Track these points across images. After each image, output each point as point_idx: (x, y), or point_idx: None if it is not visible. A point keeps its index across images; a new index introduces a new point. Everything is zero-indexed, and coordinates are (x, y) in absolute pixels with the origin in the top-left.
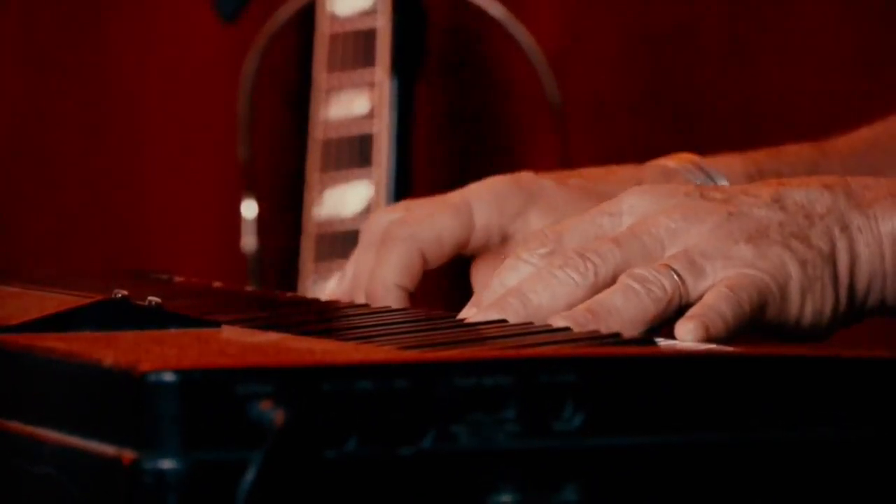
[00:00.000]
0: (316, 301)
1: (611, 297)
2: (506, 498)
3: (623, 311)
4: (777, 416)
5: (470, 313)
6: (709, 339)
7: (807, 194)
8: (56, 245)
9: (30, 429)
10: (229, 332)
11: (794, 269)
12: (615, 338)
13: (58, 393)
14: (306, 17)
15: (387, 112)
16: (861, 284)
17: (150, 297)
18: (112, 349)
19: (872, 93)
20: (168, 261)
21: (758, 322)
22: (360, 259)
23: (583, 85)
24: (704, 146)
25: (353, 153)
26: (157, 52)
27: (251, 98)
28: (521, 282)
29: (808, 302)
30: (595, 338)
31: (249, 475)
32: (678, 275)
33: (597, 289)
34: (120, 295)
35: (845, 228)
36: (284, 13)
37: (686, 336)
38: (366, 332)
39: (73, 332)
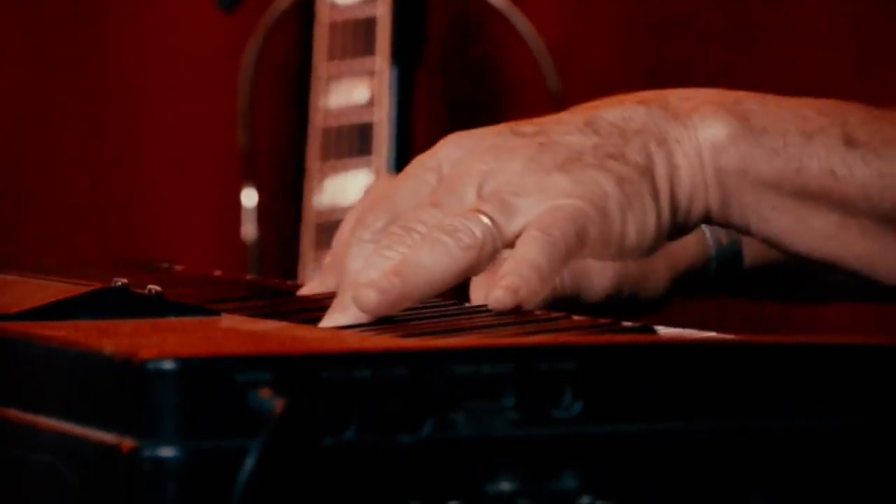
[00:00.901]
0: None
1: (416, 253)
2: (505, 485)
3: (430, 265)
4: (776, 403)
5: (332, 319)
6: (523, 300)
7: (621, 112)
8: (57, 235)
9: (30, 417)
10: (229, 321)
11: (610, 188)
12: (614, 325)
13: (58, 381)
14: (306, 6)
15: (387, 100)
16: (683, 194)
17: (150, 286)
18: (112, 337)
19: (872, 80)
20: (168, 249)
21: (581, 249)
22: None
23: (583, 72)
24: None
25: (353, 142)
26: (156, 43)
27: (251, 87)
28: (354, 272)
29: (630, 218)
30: (594, 325)
31: (249, 463)
32: (489, 217)
33: None
34: (120, 283)
35: (662, 141)
36: (284, 2)
37: (497, 305)
38: None
39: (73, 321)
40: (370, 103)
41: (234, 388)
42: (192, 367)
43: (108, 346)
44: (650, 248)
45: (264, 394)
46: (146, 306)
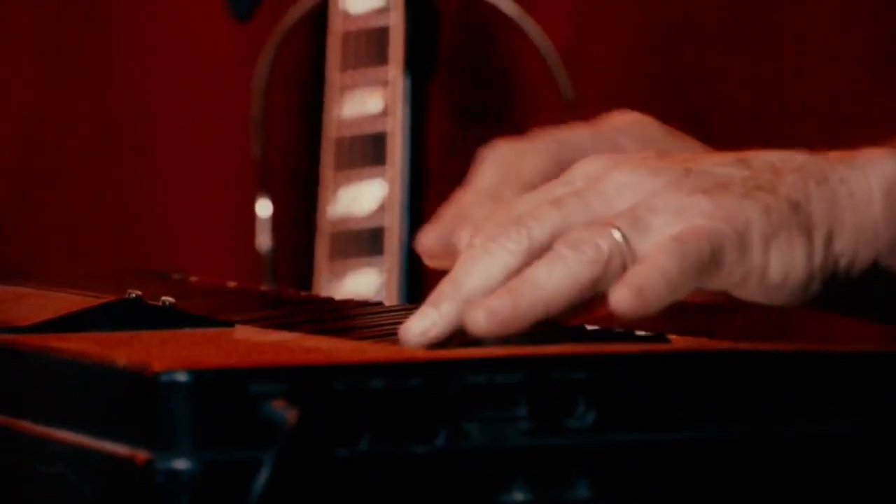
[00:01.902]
0: (330, 300)
1: (534, 269)
2: (518, 495)
3: (546, 283)
4: (790, 411)
5: (424, 317)
6: (647, 303)
7: (777, 155)
8: (69, 245)
9: (43, 429)
10: (243, 332)
11: (755, 215)
12: (627, 334)
13: (71, 393)
14: (319, 16)
15: (400, 110)
16: (846, 241)
17: (163, 297)
18: (125, 349)
19: (885, 84)
20: (182, 260)
21: (716, 274)
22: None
23: (596, 80)
24: (717, 141)
25: (366, 151)
26: (169, 52)
27: (264, 97)
28: (455, 267)
29: (774, 251)
30: (607, 335)
31: (262, 474)
32: (620, 232)
33: (534, 255)
34: (133, 295)
35: (823, 181)
36: (297, 11)
37: (617, 305)
38: (379, 330)
39: (86, 333)
40: (384, 113)
41: (248, 399)
42: (205, 379)
43: (122, 358)
44: (799, 292)
45: (278, 405)
46: (160, 318)
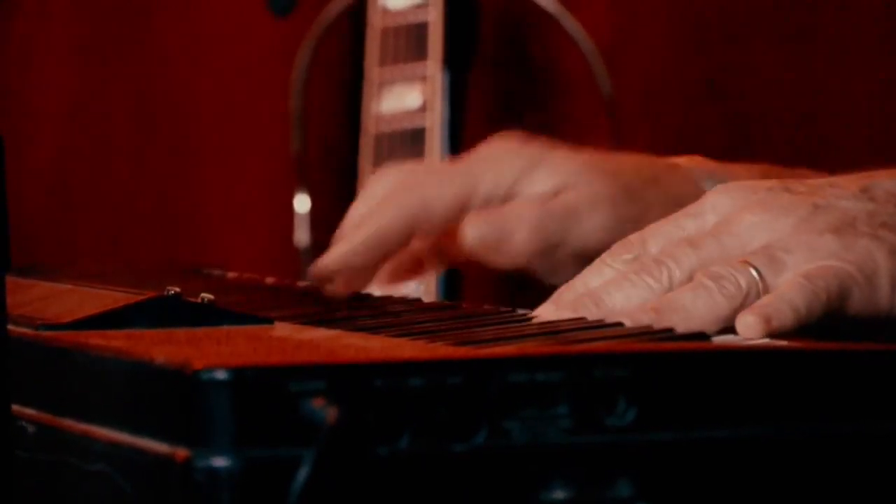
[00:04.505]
0: (369, 297)
1: (679, 295)
2: (559, 493)
3: (691, 308)
4: (831, 409)
5: (547, 311)
6: (773, 331)
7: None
8: (109, 241)
9: (83, 426)
10: (282, 329)
11: (881, 258)
12: (668, 333)
13: (111, 390)
14: (358, 11)
15: (439, 105)
16: None
17: (202, 294)
18: (165, 346)
19: None
20: (221, 256)
21: (842, 313)
22: (354, 207)
23: (635, 76)
24: (755, 138)
25: (405, 147)
26: (209, 47)
27: (303, 92)
28: (599, 285)
29: None
30: (648, 333)
31: (302, 472)
32: (756, 270)
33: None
34: (172, 292)
35: None
36: (336, 7)
37: (744, 330)
38: (418, 327)
39: (125, 330)
40: (422, 108)
41: (288, 397)
42: (245, 377)
43: (161, 356)
44: None
45: (318, 403)
46: (199, 315)
